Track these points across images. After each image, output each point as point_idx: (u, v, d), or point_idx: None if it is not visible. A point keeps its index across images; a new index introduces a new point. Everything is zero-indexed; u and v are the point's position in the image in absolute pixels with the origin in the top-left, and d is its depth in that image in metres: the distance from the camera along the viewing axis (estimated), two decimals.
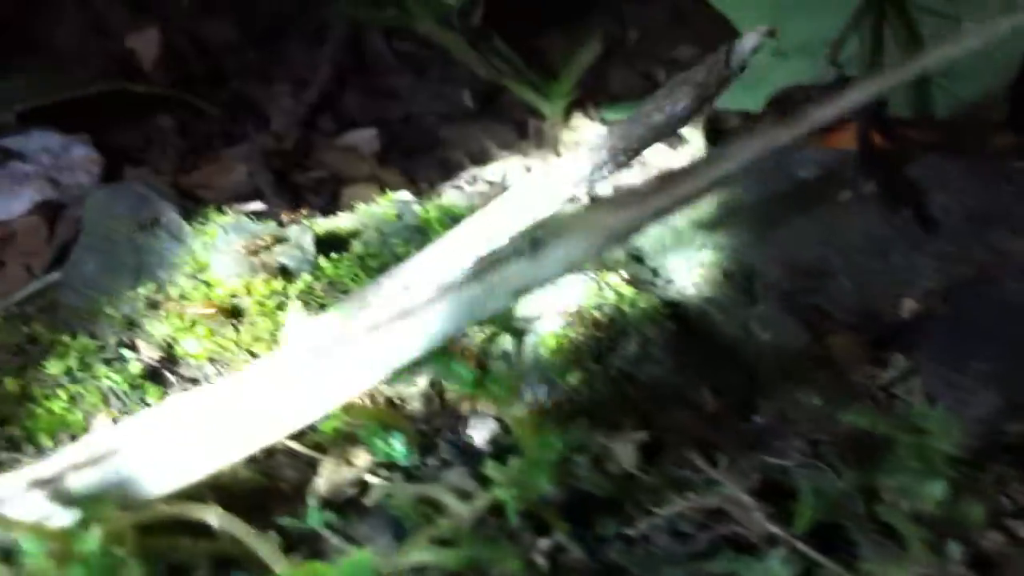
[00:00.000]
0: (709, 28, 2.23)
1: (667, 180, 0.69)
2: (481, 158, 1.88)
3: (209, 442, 0.70)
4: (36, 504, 0.69)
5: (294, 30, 2.19)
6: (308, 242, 1.21)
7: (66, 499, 0.69)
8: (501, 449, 0.88)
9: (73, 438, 0.95)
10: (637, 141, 1.05)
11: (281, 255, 1.20)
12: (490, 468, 0.79)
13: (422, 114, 2.06)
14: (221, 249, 1.19)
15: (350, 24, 2.14)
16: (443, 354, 0.74)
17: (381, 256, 1.22)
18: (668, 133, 1.06)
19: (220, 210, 1.27)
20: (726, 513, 0.82)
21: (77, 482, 0.70)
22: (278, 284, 1.14)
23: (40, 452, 0.93)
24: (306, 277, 1.17)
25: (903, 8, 1.34)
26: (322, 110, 1.99)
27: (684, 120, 1.05)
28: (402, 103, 2.08)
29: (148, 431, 0.68)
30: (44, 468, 0.69)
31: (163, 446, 0.69)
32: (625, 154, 1.06)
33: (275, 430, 0.70)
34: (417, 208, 1.33)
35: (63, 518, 0.71)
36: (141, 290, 1.16)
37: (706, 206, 1.27)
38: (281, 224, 1.24)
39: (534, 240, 0.69)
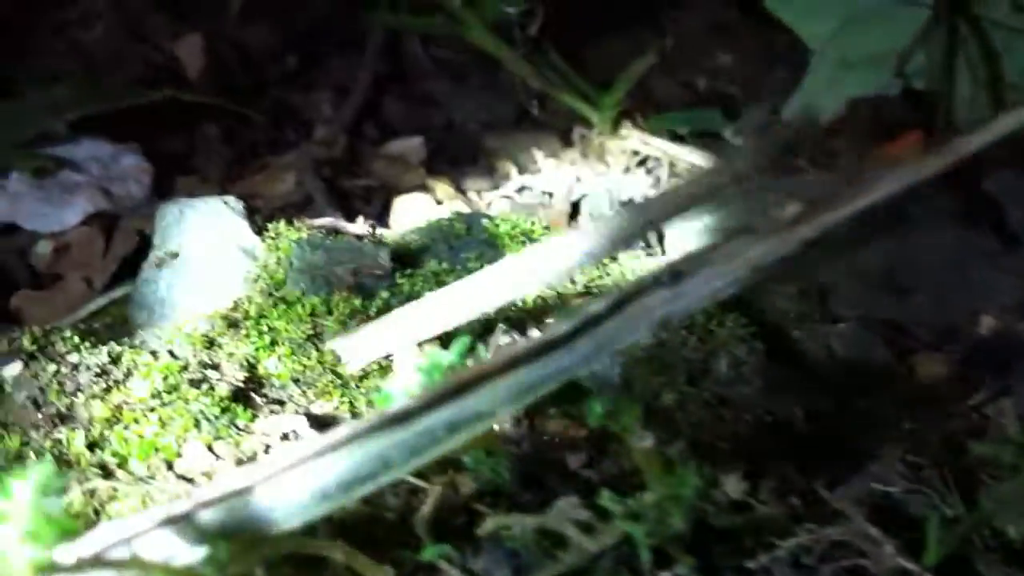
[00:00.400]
0: (747, 37, 2.23)
1: (811, 210, 0.67)
2: (528, 167, 1.87)
3: (339, 477, 0.68)
4: (164, 542, 0.67)
5: (331, 37, 2.18)
6: (384, 258, 1.19)
7: (194, 536, 0.67)
8: (608, 478, 0.87)
9: (168, 464, 0.93)
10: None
11: (357, 272, 1.18)
12: (607, 500, 0.78)
13: (464, 122, 2.05)
14: (296, 266, 1.17)
15: (387, 31, 2.13)
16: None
17: (456, 272, 1.20)
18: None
19: (291, 224, 1.25)
20: (847, 544, 0.80)
21: (205, 519, 0.68)
22: (357, 302, 1.12)
23: (134, 479, 0.91)
24: (383, 294, 1.15)
25: (975, 21, 1.33)
26: (364, 118, 1.97)
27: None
28: (443, 111, 2.07)
29: (278, 471, 0.66)
30: (175, 506, 0.67)
31: (292, 485, 0.67)
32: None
33: (407, 466, 0.68)
34: (486, 222, 1.31)
35: (190, 555, 0.69)
36: (217, 307, 1.14)
37: None
38: (359, 238, 1.22)
39: (675, 271, 0.68)
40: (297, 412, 1.01)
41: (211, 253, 1.19)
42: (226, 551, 0.68)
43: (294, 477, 0.68)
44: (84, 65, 2.06)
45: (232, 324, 1.11)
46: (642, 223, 1.03)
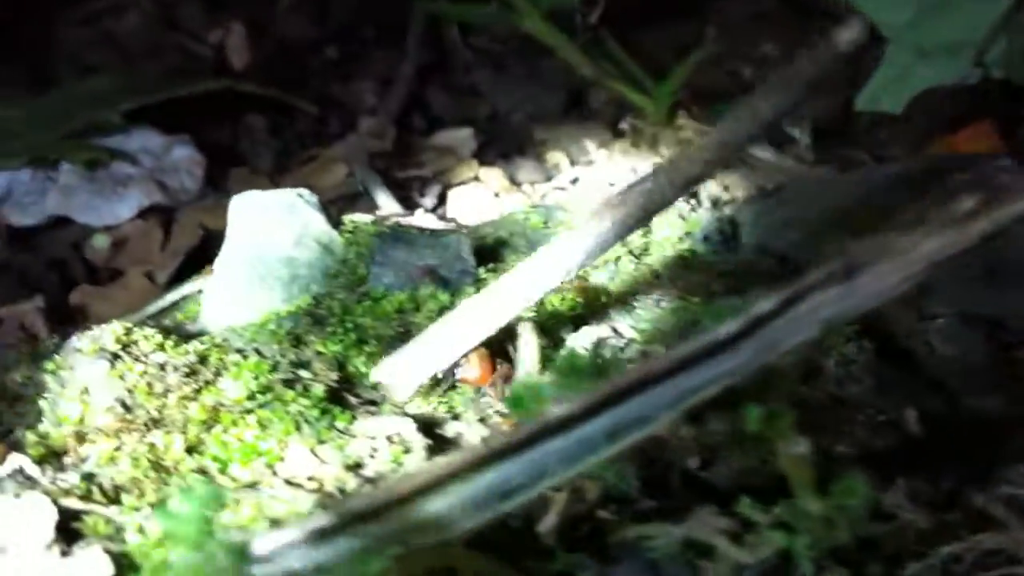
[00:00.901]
0: (789, 26, 2.19)
1: (989, 204, 0.64)
2: (580, 158, 1.83)
3: (494, 486, 0.65)
4: (302, 558, 0.64)
5: (369, 28, 2.13)
6: (467, 252, 1.15)
7: (336, 553, 0.63)
8: (732, 483, 0.83)
9: (271, 468, 0.89)
10: (745, 136, 1.00)
11: (440, 266, 1.14)
12: (747, 507, 0.74)
13: (509, 113, 2.01)
14: (378, 260, 1.13)
15: (426, 21, 2.09)
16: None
17: None
18: (775, 124, 1.06)
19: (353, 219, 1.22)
20: (998, 552, 0.76)
21: (357, 529, 0.64)
22: (444, 297, 1.08)
23: (240, 484, 0.87)
24: (469, 290, 1.11)
25: None
26: (410, 108, 1.93)
27: (789, 111, 1.00)
28: (487, 101, 2.03)
29: (435, 480, 0.63)
30: (318, 519, 0.63)
31: (446, 494, 0.63)
32: (734, 150, 1.01)
33: (563, 474, 0.65)
34: (562, 215, 1.27)
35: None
36: (299, 304, 1.10)
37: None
38: (435, 233, 1.18)
39: (848, 267, 0.64)
40: (395, 413, 0.97)
41: (288, 247, 1.15)
42: (377, 564, 0.64)
43: (449, 487, 0.64)
44: (118, 56, 2.02)
45: (317, 321, 1.07)
46: (674, 188, 0.99)
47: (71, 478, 0.89)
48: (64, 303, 1.30)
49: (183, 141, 1.57)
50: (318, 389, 0.96)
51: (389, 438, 0.92)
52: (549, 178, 1.77)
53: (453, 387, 1.02)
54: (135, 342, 1.01)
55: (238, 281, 1.14)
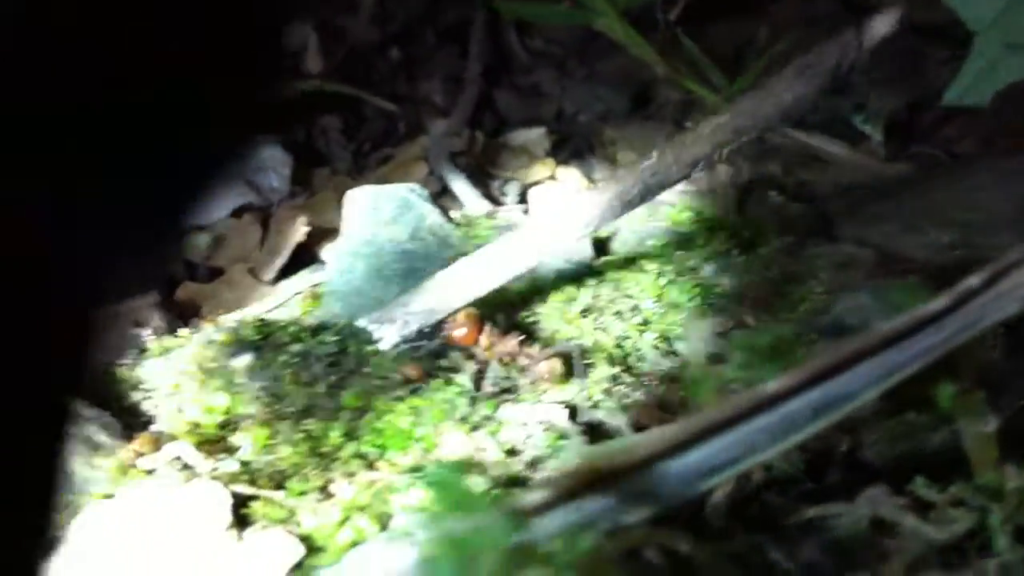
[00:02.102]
0: (843, 26, 2.21)
1: None
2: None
3: (703, 463, 0.65)
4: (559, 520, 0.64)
5: (429, 29, 2.15)
6: (587, 245, 1.16)
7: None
8: (904, 465, 0.84)
9: (428, 454, 0.90)
10: (764, 120, 1.00)
11: (558, 257, 1.15)
12: (921, 486, 0.75)
13: (575, 113, 2.02)
14: None
15: (486, 22, 2.10)
16: None
17: (649, 258, 1.17)
18: (795, 114, 1.04)
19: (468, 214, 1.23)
20: None
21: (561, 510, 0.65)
22: (572, 289, 1.09)
23: (401, 469, 0.88)
24: (590, 281, 1.12)
25: None
26: (480, 109, 1.94)
27: (813, 102, 1.01)
28: (552, 101, 2.04)
29: (647, 457, 0.63)
30: (532, 496, 0.64)
31: (655, 473, 0.64)
32: (750, 133, 1.00)
33: (771, 451, 0.66)
34: (667, 209, 1.28)
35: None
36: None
37: None
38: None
39: None
40: (540, 401, 0.98)
41: (404, 241, 1.16)
42: (581, 544, 0.65)
43: (660, 464, 0.65)
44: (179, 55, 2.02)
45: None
46: (641, 189, 1.00)
47: (228, 465, 0.90)
48: (170, 299, 1.30)
49: (268, 141, 1.58)
50: (461, 377, 0.97)
51: (542, 423, 0.92)
52: None
53: (440, 344, 1.05)
54: (273, 333, 1.02)
55: (355, 275, 1.15)
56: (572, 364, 1.00)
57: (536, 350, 1.02)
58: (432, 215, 1.17)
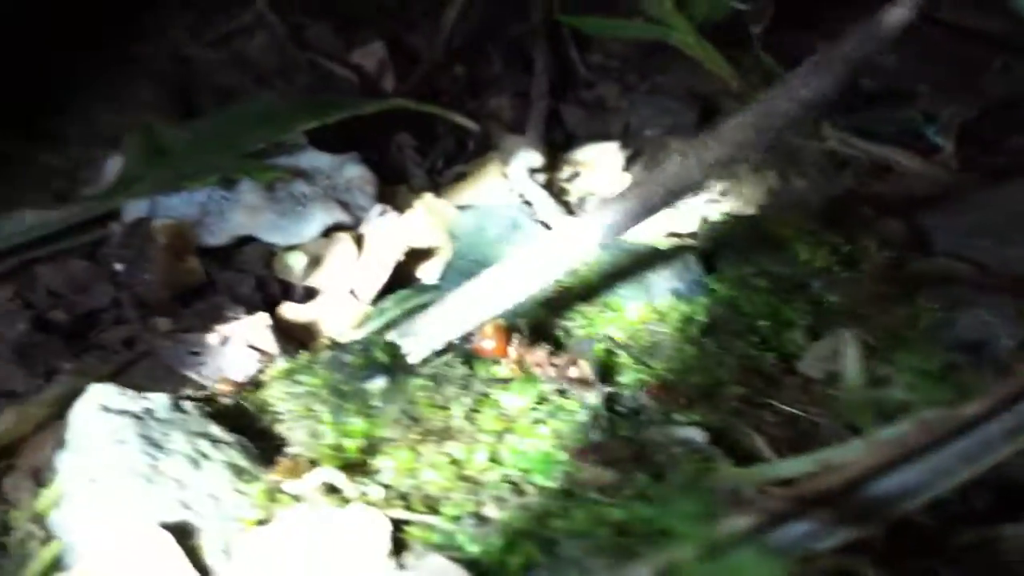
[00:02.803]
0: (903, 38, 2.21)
1: None
2: (723, 173, 1.84)
3: (896, 488, 0.66)
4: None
5: (491, 45, 2.16)
6: (694, 262, 1.16)
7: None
8: None
9: (572, 477, 0.90)
10: (782, 118, 0.98)
11: (670, 277, 1.15)
12: None
13: (641, 127, 2.02)
14: (609, 271, 1.14)
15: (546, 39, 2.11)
16: None
17: (763, 276, 1.17)
18: (814, 109, 0.99)
19: None
20: None
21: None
22: (685, 307, 1.10)
23: (552, 494, 0.88)
24: (702, 299, 1.12)
25: None
26: (550, 124, 1.94)
27: (831, 95, 0.99)
28: (619, 116, 2.04)
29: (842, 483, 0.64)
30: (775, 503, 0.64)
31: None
32: (771, 131, 0.99)
33: (962, 474, 0.66)
34: (766, 223, 1.29)
35: None
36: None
37: None
38: (658, 245, 1.20)
39: None
40: (673, 422, 0.98)
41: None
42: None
43: (863, 488, 0.65)
44: (250, 77, 2.04)
45: (566, 332, 1.08)
46: (663, 193, 1.00)
47: (374, 490, 0.90)
48: (272, 319, 1.31)
49: (353, 160, 1.58)
50: (593, 398, 0.97)
51: (682, 443, 0.93)
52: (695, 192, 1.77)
53: (468, 356, 1.06)
54: (401, 355, 1.03)
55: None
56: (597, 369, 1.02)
57: (564, 359, 1.03)
58: (539, 233, 1.17)
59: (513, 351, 1.03)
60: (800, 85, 0.95)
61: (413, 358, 1.03)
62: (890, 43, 1.00)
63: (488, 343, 1.02)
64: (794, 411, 1.03)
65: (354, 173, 1.56)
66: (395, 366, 1.00)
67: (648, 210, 0.99)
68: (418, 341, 1.04)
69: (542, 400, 0.97)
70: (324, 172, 1.55)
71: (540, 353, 1.02)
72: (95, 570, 0.84)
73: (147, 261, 1.30)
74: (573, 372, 1.01)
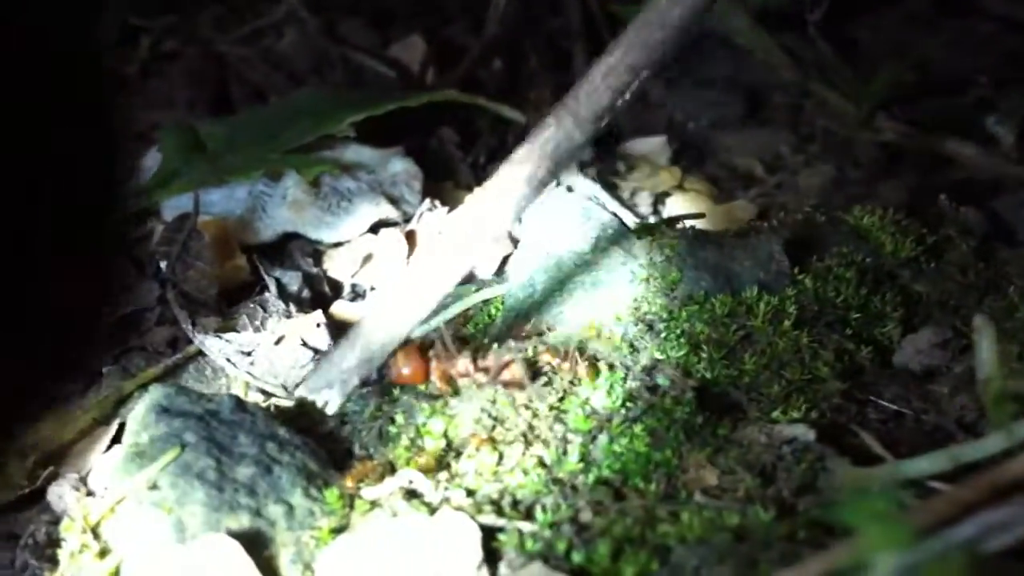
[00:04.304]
0: (943, 28, 2.15)
1: None
2: (776, 165, 1.78)
3: None
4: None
5: (527, 38, 2.10)
6: (779, 252, 1.09)
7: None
8: None
9: (669, 479, 0.83)
10: (658, 49, 0.85)
11: (753, 268, 1.08)
12: None
13: (685, 121, 1.96)
14: (691, 263, 1.07)
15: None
16: None
17: (851, 266, 1.10)
18: (688, 34, 0.86)
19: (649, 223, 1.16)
20: None
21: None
22: (774, 300, 1.03)
23: (650, 496, 0.81)
24: (789, 291, 1.05)
25: None
26: None
27: (702, 13, 0.85)
28: (662, 110, 1.98)
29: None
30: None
31: None
32: (646, 68, 0.86)
33: None
34: (846, 216, 1.22)
35: None
36: (615, 310, 1.04)
37: None
38: (740, 234, 1.13)
39: None
40: (773, 420, 0.91)
41: (585, 252, 1.10)
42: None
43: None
44: (282, 72, 1.98)
45: (649, 327, 1.01)
46: (583, 126, 0.89)
47: (456, 494, 0.83)
48: (326, 316, 1.24)
49: (398, 154, 1.52)
50: (688, 395, 0.90)
51: (788, 442, 0.86)
52: (749, 186, 1.71)
53: (387, 388, 0.95)
54: (474, 352, 0.96)
55: (536, 288, 1.09)
56: (533, 370, 0.93)
57: (491, 361, 0.92)
58: (613, 224, 1.10)
59: (435, 369, 0.92)
60: (671, 3, 0.83)
61: (331, 409, 0.94)
62: None
63: (405, 370, 0.92)
64: (897, 407, 0.96)
65: (400, 168, 1.49)
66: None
67: (537, 187, 0.88)
68: (331, 392, 0.93)
69: (632, 398, 0.90)
70: (369, 167, 1.49)
71: (464, 362, 0.92)
72: None
73: (194, 258, 1.23)
74: (505, 376, 0.91)
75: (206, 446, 0.83)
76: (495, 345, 0.95)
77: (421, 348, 0.94)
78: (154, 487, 0.82)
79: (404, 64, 1.85)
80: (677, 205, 1.58)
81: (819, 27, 1.62)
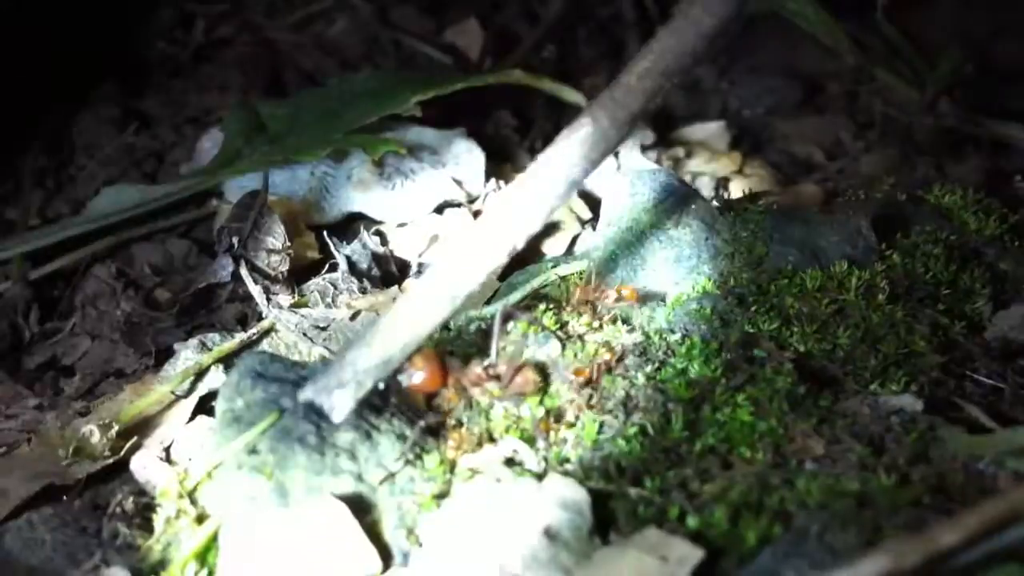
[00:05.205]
0: (1003, 11, 2.12)
1: None
2: (835, 151, 1.76)
3: None
4: None
5: (578, 24, 2.09)
6: (866, 227, 1.08)
7: None
8: None
9: (776, 448, 0.81)
10: (690, 55, 0.82)
11: (841, 244, 1.07)
12: None
13: (740, 108, 1.94)
14: (778, 239, 1.06)
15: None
16: None
17: (940, 244, 1.08)
18: (719, 42, 0.83)
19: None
20: None
21: None
22: (865, 274, 1.01)
23: (755, 464, 0.80)
24: (878, 266, 1.04)
25: None
26: None
27: (735, 22, 0.82)
28: (717, 97, 1.97)
29: None
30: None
31: None
32: (679, 73, 0.83)
33: None
34: (927, 195, 1.20)
35: None
36: (704, 284, 1.03)
37: None
38: (826, 210, 1.11)
39: None
40: (873, 393, 0.89)
41: (669, 227, 1.08)
42: None
43: None
44: (334, 58, 1.98)
45: (739, 300, 1.00)
46: (619, 127, 0.84)
47: (558, 462, 0.82)
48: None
49: (460, 135, 1.51)
50: (788, 367, 0.89)
51: (894, 413, 0.84)
52: (810, 171, 1.70)
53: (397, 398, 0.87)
54: (566, 323, 0.94)
55: (617, 263, 1.08)
56: (548, 374, 0.88)
57: (503, 368, 0.87)
58: (697, 201, 1.09)
59: (451, 377, 0.86)
60: (703, 13, 0.82)
61: (338, 416, 0.83)
62: None
63: (418, 376, 0.84)
64: (993, 382, 0.94)
65: (463, 148, 1.48)
66: (560, 333, 0.91)
67: (571, 186, 0.85)
68: (343, 394, 0.83)
69: (731, 369, 0.88)
70: (431, 147, 1.47)
71: (475, 371, 0.86)
72: (263, 546, 0.76)
73: (264, 235, 1.22)
74: (519, 381, 0.86)
75: (304, 411, 0.82)
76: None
77: (436, 354, 0.86)
78: (253, 451, 0.80)
79: (461, 49, 1.83)
80: (740, 190, 1.56)
81: (886, 12, 1.60)
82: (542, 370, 0.87)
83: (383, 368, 0.81)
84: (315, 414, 0.82)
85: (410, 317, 0.82)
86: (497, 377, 0.86)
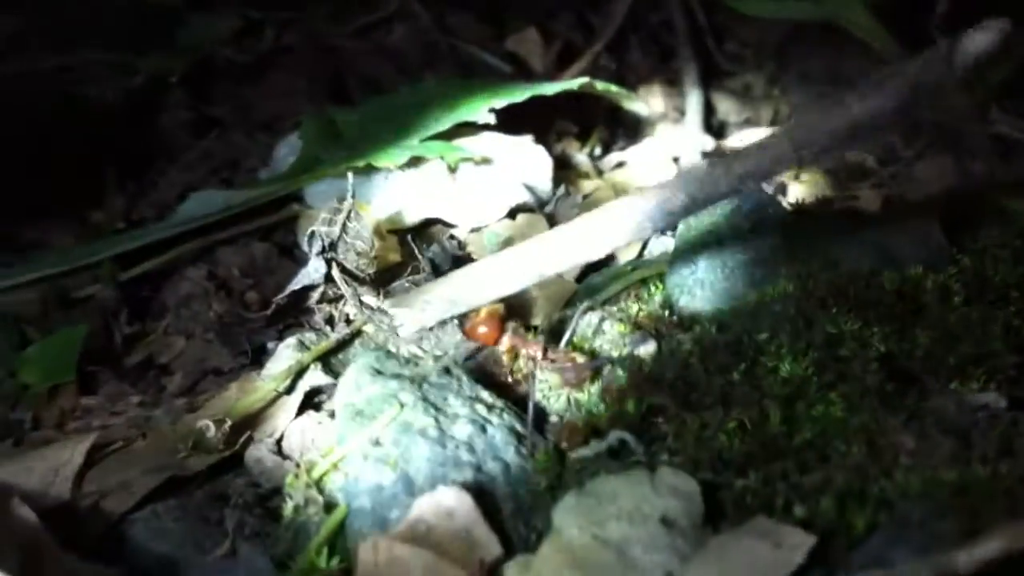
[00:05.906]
0: None
1: None
2: (888, 157, 1.80)
3: None
4: None
5: (630, 33, 2.13)
6: (937, 231, 1.13)
7: None
8: None
9: (869, 444, 0.86)
10: (828, 136, 0.89)
11: (912, 247, 1.11)
12: None
13: (789, 114, 1.99)
14: (850, 241, 1.11)
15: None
16: None
17: (1001, 246, 1.13)
18: (867, 132, 0.89)
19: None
20: None
21: None
22: (938, 277, 1.06)
23: (850, 458, 0.85)
24: (951, 270, 1.08)
25: None
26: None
27: (888, 118, 0.88)
28: (767, 103, 2.01)
29: None
30: None
31: None
32: (811, 148, 0.90)
33: None
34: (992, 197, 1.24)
35: None
36: (783, 286, 1.08)
37: None
38: (891, 213, 1.16)
39: None
40: (955, 391, 0.94)
41: (747, 230, 1.13)
42: None
43: None
44: (395, 65, 2.03)
45: (821, 303, 1.05)
46: (730, 179, 0.93)
47: (663, 455, 0.87)
48: None
49: (529, 142, 1.56)
50: (875, 365, 0.94)
51: (979, 408, 0.89)
52: (862, 177, 1.74)
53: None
54: (656, 321, 1.00)
55: (698, 267, 1.13)
56: (601, 371, 0.98)
57: (561, 354, 0.99)
58: (773, 204, 1.14)
59: (507, 340, 1.00)
60: (857, 103, 0.88)
61: (404, 331, 1.03)
62: (966, 72, 0.87)
63: (481, 329, 1.01)
64: None
65: (532, 155, 1.54)
66: (659, 333, 0.97)
67: (667, 215, 0.93)
68: (411, 314, 1.03)
69: (819, 366, 0.93)
70: (502, 153, 1.53)
71: (535, 347, 0.99)
72: (391, 534, 0.82)
73: (353, 238, 1.28)
74: (569, 374, 0.98)
75: (423, 406, 0.88)
76: None
77: (501, 316, 1.02)
78: (377, 443, 0.86)
79: (521, 57, 1.89)
80: (798, 195, 1.60)
81: (944, 20, 1.64)
82: (596, 370, 0.96)
83: (449, 306, 0.98)
84: (432, 408, 0.88)
85: (487, 275, 0.96)
86: (553, 360, 0.96)
